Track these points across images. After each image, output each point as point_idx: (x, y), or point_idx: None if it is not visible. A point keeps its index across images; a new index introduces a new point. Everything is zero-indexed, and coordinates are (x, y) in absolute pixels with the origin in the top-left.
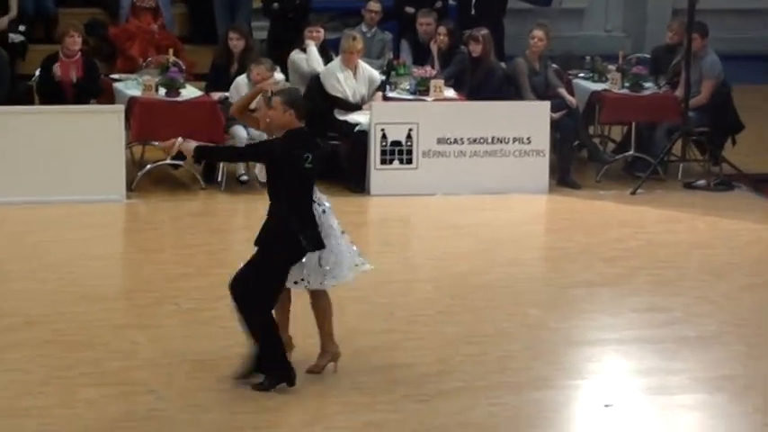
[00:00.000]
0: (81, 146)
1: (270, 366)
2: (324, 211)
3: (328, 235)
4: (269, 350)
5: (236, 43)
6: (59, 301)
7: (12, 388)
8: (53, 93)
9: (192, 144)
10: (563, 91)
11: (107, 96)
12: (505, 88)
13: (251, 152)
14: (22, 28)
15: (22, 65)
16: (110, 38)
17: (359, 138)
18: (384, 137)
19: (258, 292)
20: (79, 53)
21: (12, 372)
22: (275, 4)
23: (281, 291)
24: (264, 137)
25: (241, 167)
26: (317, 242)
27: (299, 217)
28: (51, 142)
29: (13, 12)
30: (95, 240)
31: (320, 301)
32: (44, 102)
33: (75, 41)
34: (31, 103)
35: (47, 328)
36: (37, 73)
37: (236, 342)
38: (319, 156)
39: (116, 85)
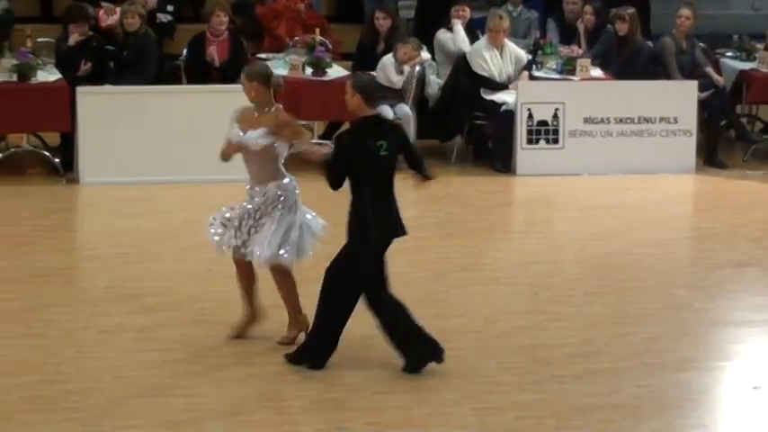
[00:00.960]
0: (227, 125)
1: (410, 348)
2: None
3: (294, 211)
4: (404, 333)
5: (383, 22)
6: (206, 281)
7: (160, 367)
8: (200, 72)
9: (324, 151)
10: (710, 70)
11: None
12: (652, 67)
13: (336, 172)
14: (170, 8)
15: (170, 44)
16: (257, 17)
17: (505, 117)
18: (530, 116)
19: (363, 288)
20: (226, 32)
21: (159, 351)
22: None
23: (379, 278)
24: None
25: None
26: (391, 232)
27: (377, 208)
28: (198, 122)
29: None
30: None
31: (276, 275)
32: (191, 81)
33: (221, 21)
34: (179, 82)
35: (194, 307)
36: (185, 52)
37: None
38: (397, 140)
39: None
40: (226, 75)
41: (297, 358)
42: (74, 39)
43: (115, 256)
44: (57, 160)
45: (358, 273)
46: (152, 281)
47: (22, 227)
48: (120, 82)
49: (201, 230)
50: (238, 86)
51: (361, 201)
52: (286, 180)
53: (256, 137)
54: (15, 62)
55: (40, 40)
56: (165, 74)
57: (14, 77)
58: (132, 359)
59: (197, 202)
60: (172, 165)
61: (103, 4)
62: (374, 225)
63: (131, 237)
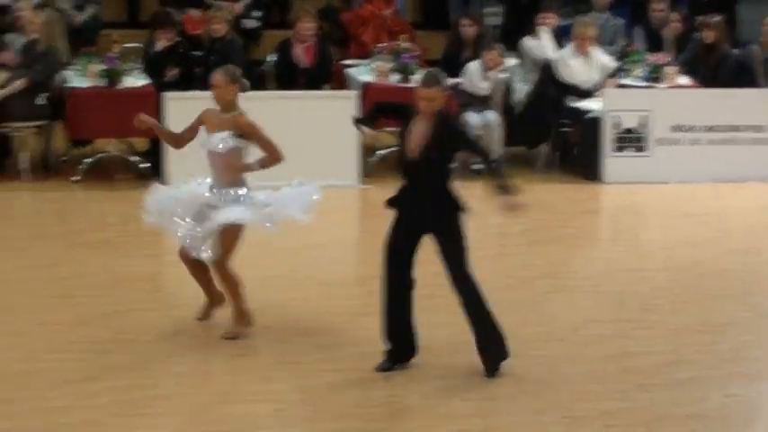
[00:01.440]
0: (314, 131)
1: (491, 349)
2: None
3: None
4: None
5: (468, 29)
6: (293, 287)
7: (246, 373)
8: (287, 77)
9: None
10: None
11: (339, 82)
12: (739, 75)
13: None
14: (256, 13)
15: (256, 50)
16: (343, 23)
17: (591, 125)
18: (617, 124)
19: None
20: (313, 38)
21: (245, 357)
22: None
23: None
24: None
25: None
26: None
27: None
28: (284, 127)
29: None
30: (330, 226)
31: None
32: (278, 86)
33: (308, 27)
34: (265, 88)
35: (281, 313)
36: (270, 58)
37: (460, 330)
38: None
39: (349, 70)
40: (312, 80)
41: (493, 367)
42: (161, 44)
43: None
44: (144, 166)
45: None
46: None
47: (109, 232)
48: (206, 87)
49: (288, 235)
50: (324, 92)
51: (450, 181)
52: (243, 190)
53: (220, 140)
54: (103, 67)
55: (127, 45)
56: (252, 79)
57: (102, 83)
58: (220, 364)
59: None
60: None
61: (190, 10)
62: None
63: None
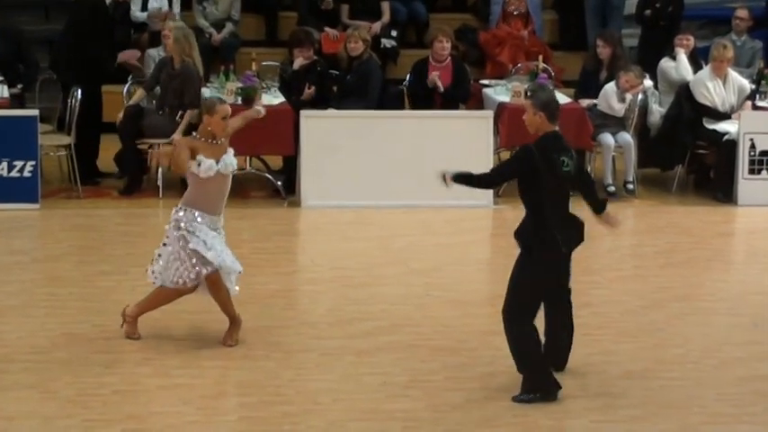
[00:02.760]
0: (449, 150)
1: (529, 379)
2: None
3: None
4: (526, 360)
5: (603, 50)
6: (426, 306)
7: (378, 390)
8: (423, 97)
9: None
10: None
11: (475, 101)
12: None
13: (507, 171)
14: (394, 33)
15: (393, 69)
16: (480, 43)
17: (727, 147)
18: (753, 146)
19: (515, 300)
20: (449, 58)
21: (378, 375)
22: (647, 11)
23: (540, 298)
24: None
25: (608, 177)
26: (572, 244)
27: (557, 224)
28: (420, 146)
29: (386, 17)
30: (463, 245)
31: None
32: (414, 106)
33: (444, 47)
34: (402, 107)
35: (413, 332)
36: (408, 77)
37: (600, 350)
38: (576, 161)
39: (485, 90)
40: (448, 100)
41: (523, 397)
42: (298, 63)
43: (336, 279)
44: (279, 183)
45: (526, 285)
46: (372, 305)
47: (244, 249)
48: (343, 106)
49: (422, 255)
50: (460, 112)
51: (543, 215)
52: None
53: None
54: (240, 85)
55: (265, 63)
56: (389, 98)
57: (239, 101)
58: (351, 382)
59: (418, 226)
60: (394, 189)
61: (328, 29)
62: (557, 239)
63: (352, 260)
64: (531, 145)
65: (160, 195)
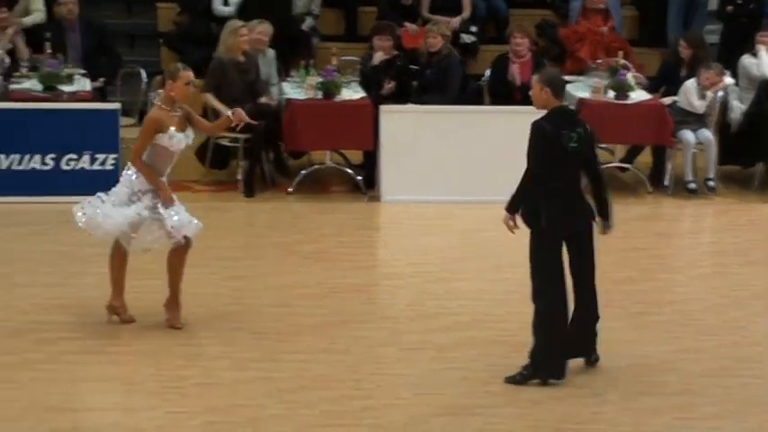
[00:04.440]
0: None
1: (538, 357)
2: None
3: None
4: (543, 339)
5: (684, 51)
6: (507, 302)
7: (458, 386)
8: (503, 92)
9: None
10: None
11: None
12: None
13: (533, 155)
14: (473, 28)
15: (473, 65)
16: (560, 39)
17: None
18: None
19: (534, 273)
20: (529, 54)
21: (459, 370)
22: (729, 8)
23: (558, 270)
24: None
25: (689, 174)
26: (563, 225)
27: (558, 198)
28: (500, 141)
29: (466, 12)
30: None
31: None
32: (494, 101)
33: (518, 43)
34: (481, 102)
35: (494, 327)
36: (487, 72)
37: (681, 348)
38: (588, 138)
39: (566, 86)
40: (528, 96)
41: (524, 376)
42: (378, 57)
43: (416, 275)
44: (359, 178)
45: (538, 258)
46: (452, 300)
47: (324, 243)
48: (423, 101)
49: (502, 250)
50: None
51: (548, 190)
52: None
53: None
54: (321, 80)
55: (345, 58)
56: (468, 94)
57: (319, 95)
58: (432, 377)
59: (498, 221)
60: (473, 184)
61: (407, 24)
62: (546, 214)
63: (433, 255)
64: (540, 119)
65: (240, 189)
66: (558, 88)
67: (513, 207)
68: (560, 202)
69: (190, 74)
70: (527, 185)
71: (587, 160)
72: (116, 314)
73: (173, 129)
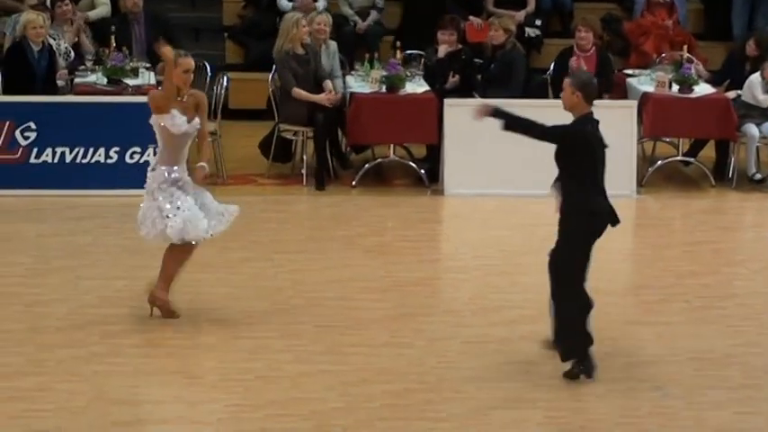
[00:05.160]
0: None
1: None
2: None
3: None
4: (569, 333)
5: (751, 50)
6: None
7: (520, 379)
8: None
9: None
10: None
11: (619, 91)
12: None
13: (555, 133)
14: (538, 22)
15: (537, 58)
16: (624, 33)
17: None
18: None
19: (564, 269)
20: (593, 48)
21: (520, 363)
22: None
23: (585, 268)
24: None
25: (753, 167)
26: (613, 217)
27: (596, 198)
28: None
29: (531, 6)
30: (605, 235)
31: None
32: (558, 95)
33: (582, 37)
34: (545, 96)
35: None
36: (552, 66)
37: (744, 341)
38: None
39: (629, 80)
40: None
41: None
42: (443, 50)
43: (479, 268)
44: (422, 171)
45: (572, 254)
46: (516, 293)
47: (387, 237)
48: (487, 95)
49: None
50: (603, 102)
51: (582, 190)
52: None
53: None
54: (385, 73)
55: (409, 51)
56: (533, 88)
57: (383, 89)
58: (494, 370)
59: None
60: (536, 178)
61: (472, 18)
62: (593, 214)
63: (495, 248)
64: (577, 123)
65: (304, 183)
66: (590, 94)
67: (499, 115)
68: (601, 201)
69: (190, 61)
70: (531, 127)
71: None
72: (158, 307)
73: (174, 110)
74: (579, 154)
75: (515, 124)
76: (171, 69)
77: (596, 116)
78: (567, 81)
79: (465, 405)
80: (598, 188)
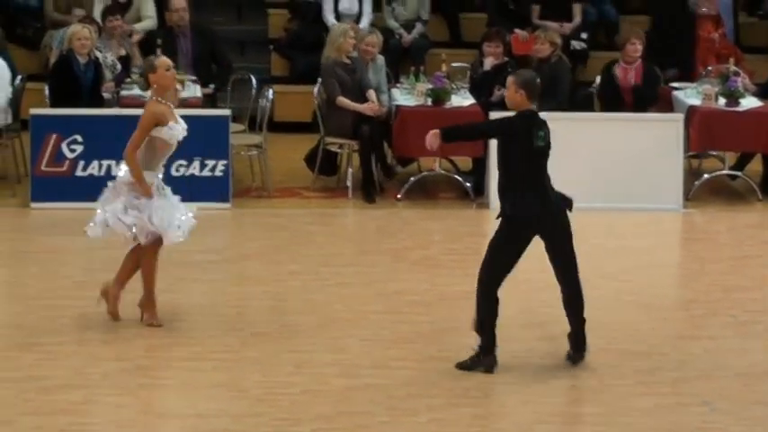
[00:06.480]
0: (639, 153)
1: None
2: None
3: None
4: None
5: None
6: (616, 309)
7: (566, 394)
8: (613, 99)
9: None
10: None
11: (665, 104)
12: None
13: (493, 128)
14: (584, 35)
15: (583, 71)
16: None
17: None
18: None
19: (486, 267)
20: (639, 60)
21: (567, 378)
22: None
23: (508, 270)
24: None
25: None
26: (535, 225)
27: (531, 193)
28: (610, 149)
29: (577, 19)
30: (652, 249)
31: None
32: (604, 108)
33: (636, 49)
34: (591, 109)
35: (603, 335)
36: (597, 79)
37: None
38: (549, 136)
39: (675, 93)
40: (638, 102)
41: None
42: (489, 63)
43: (525, 281)
44: (468, 184)
45: (496, 253)
46: (561, 308)
47: (433, 250)
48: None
49: (610, 258)
50: (650, 115)
51: (510, 183)
52: None
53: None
54: (430, 86)
55: (454, 64)
56: (579, 101)
57: (429, 102)
58: (540, 385)
59: (604, 229)
60: (581, 191)
61: (517, 30)
62: (517, 210)
63: (541, 262)
64: (514, 118)
65: (349, 195)
66: (532, 91)
67: (447, 136)
68: (531, 198)
69: (165, 60)
70: (468, 130)
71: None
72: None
73: (172, 122)
74: (509, 147)
75: (457, 134)
76: (156, 79)
77: (641, 130)
78: (510, 79)
79: (511, 420)
80: (529, 186)
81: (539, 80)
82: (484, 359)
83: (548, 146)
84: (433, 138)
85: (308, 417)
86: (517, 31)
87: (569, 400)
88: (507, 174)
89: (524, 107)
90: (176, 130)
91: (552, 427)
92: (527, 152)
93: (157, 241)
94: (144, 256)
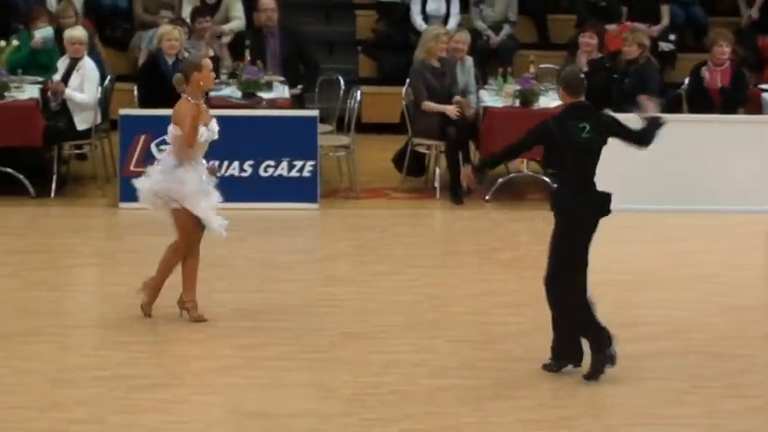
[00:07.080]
0: (727, 155)
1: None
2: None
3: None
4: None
5: None
6: (704, 311)
7: (655, 396)
8: (701, 101)
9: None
10: None
11: (754, 106)
12: None
13: (530, 138)
14: (672, 37)
15: (671, 73)
16: (759, 47)
17: None
18: None
19: (556, 268)
20: (728, 62)
21: (655, 380)
22: None
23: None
24: None
25: None
26: (600, 209)
27: (582, 188)
28: (698, 151)
29: (665, 20)
30: (742, 251)
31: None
32: (692, 110)
33: (724, 51)
34: (680, 111)
35: (691, 337)
36: (686, 81)
37: None
38: (603, 126)
39: (764, 95)
40: (727, 104)
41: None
42: (583, 59)
43: (612, 283)
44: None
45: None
46: (649, 309)
47: (521, 251)
48: (621, 110)
49: (700, 260)
50: (738, 117)
51: (564, 182)
52: None
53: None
54: (519, 88)
55: (543, 66)
56: (667, 102)
57: (517, 103)
58: (628, 387)
59: (695, 231)
60: (671, 193)
61: (608, 26)
62: (577, 206)
63: (629, 264)
64: (549, 118)
65: (437, 197)
66: (571, 87)
67: (482, 167)
68: (592, 189)
69: (209, 60)
70: (505, 152)
71: (618, 135)
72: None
73: (203, 125)
74: (553, 145)
75: (494, 157)
76: (200, 78)
77: (729, 132)
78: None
79: (600, 421)
80: (581, 181)
81: (582, 75)
82: (601, 357)
83: (593, 140)
84: (466, 179)
85: (397, 417)
86: (608, 26)
87: (659, 401)
88: (557, 173)
89: (567, 101)
90: (205, 134)
91: (641, 428)
92: (568, 147)
93: (194, 237)
94: (178, 250)
